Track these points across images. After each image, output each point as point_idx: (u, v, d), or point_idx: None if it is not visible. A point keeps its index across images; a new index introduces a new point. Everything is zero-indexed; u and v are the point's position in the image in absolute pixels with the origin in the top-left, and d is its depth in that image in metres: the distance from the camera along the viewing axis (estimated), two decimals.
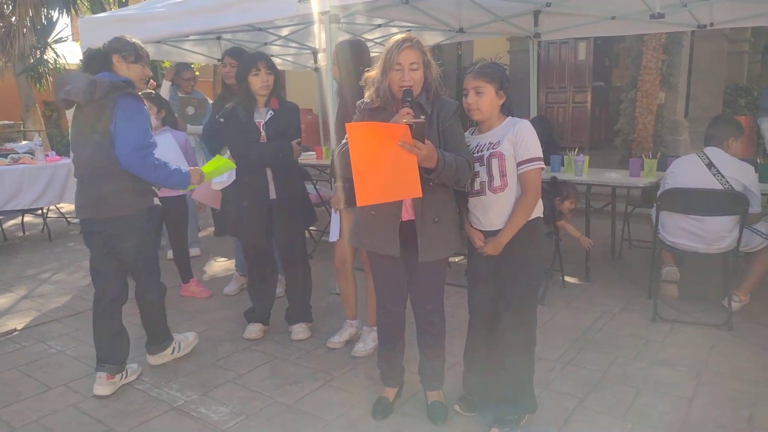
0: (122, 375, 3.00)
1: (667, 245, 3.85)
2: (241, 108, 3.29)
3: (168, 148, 3.84)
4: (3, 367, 3.24)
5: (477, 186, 2.43)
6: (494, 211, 2.41)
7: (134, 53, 2.91)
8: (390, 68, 2.31)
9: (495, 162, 2.37)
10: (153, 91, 4.21)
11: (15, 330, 3.77)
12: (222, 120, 3.34)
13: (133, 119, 2.75)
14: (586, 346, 3.34)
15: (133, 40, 2.95)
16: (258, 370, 3.16)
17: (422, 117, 2.28)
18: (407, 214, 2.42)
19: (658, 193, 3.88)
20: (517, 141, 2.35)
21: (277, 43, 6.59)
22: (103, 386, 2.90)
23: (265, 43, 6.55)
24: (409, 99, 2.26)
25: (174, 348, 3.27)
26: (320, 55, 6.64)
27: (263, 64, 3.22)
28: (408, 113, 2.19)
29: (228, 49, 4.48)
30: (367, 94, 2.45)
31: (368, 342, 3.28)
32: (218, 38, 6.25)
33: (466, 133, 2.54)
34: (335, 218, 3.23)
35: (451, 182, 2.36)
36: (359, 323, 3.48)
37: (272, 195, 3.32)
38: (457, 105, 2.43)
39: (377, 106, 2.41)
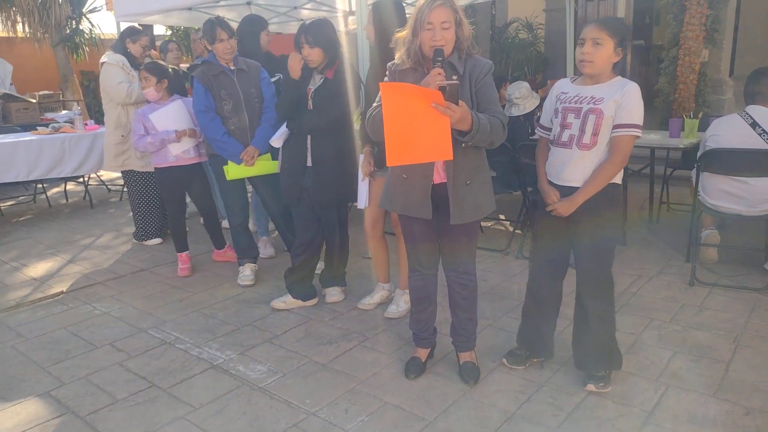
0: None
1: (707, 208, 3.74)
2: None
3: (179, 115, 3.95)
4: (52, 327, 3.40)
5: (565, 138, 2.38)
6: (573, 166, 2.37)
7: (209, 35, 3.53)
8: (421, 28, 2.27)
9: (592, 118, 2.30)
10: (157, 61, 4.26)
11: (62, 292, 3.94)
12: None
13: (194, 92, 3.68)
14: (620, 309, 3.30)
15: (213, 22, 3.58)
16: (293, 330, 3.24)
17: (454, 77, 2.24)
18: (439, 176, 2.41)
19: (699, 154, 3.76)
20: (622, 103, 2.27)
21: (308, 6, 6.52)
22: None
23: (295, 7, 6.50)
24: (440, 59, 2.22)
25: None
26: (351, 18, 6.54)
27: (303, 39, 3.18)
28: (439, 73, 2.16)
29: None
30: (397, 55, 2.42)
31: (401, 304, 3.32)
32: (248, 3, 6.21)
33: (566, 80, 2.48)
34: (363, 186, 3.22)
35: (484, 145, 2.32)
36: (391, 286, 3.51)
37: (308, 162, 3.33)
38: (491, 64, 2.38)
39: (408, 67, 2.38)
